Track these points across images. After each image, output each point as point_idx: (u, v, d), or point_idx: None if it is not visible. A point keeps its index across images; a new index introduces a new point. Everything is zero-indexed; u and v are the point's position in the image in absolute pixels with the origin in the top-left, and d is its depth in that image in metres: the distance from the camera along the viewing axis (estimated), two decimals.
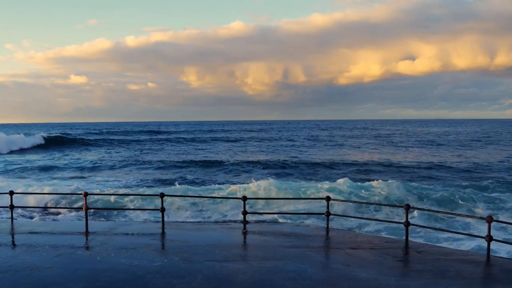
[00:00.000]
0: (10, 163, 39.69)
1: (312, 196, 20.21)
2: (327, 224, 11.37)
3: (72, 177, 31.25)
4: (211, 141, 74.34)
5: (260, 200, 18.94)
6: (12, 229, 11.60)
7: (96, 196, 19.35)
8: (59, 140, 64.36)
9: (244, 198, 11.54)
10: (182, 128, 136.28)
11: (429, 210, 13.48)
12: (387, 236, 12.59)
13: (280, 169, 34.74)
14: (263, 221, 12.63)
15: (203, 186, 24.26)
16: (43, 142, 60.13)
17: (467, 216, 11.95)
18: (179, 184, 24.57)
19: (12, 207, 12.62)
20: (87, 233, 10.95)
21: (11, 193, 12.64)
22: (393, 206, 12.92)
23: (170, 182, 27.02)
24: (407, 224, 10.01)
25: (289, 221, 15.26)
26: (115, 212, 17.45)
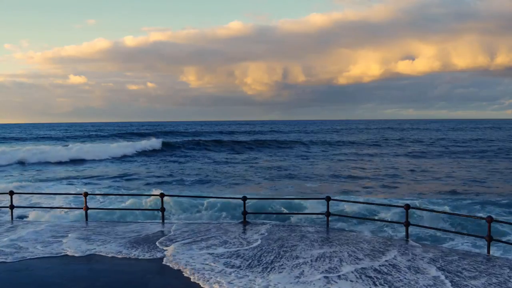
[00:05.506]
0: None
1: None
2: (327, 224, 11.37)
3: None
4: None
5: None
6: None
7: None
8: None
9: (244, 198, 11.55)
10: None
11: (430, 210, 13.47)
12: (387, 236, 12.59)
13: None
14: (263, 222, 12.63)
15: None
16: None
17: (468, 216, 11.96)
18: None
19: (12, 207, 12.65)
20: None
21: (11, 193, 12.67)
22: (393, 206, 12.94)
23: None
24: (407, 224, 10.03)
25: (289, 221, 15.26)
26: (116, 211, 17.40)
